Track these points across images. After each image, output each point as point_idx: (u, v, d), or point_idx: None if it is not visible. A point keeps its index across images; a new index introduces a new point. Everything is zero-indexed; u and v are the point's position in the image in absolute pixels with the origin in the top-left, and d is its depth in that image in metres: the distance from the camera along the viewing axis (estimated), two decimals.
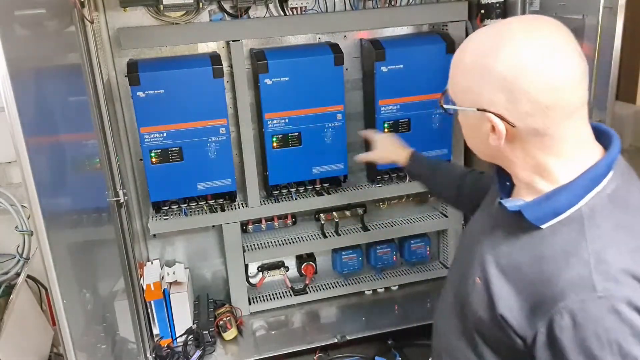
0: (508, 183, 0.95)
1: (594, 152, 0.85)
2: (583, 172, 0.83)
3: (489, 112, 0.81)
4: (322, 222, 2.24)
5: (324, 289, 2.32)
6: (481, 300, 0.90)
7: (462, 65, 0.85)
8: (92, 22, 1.66)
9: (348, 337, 2.04)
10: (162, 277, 2.06)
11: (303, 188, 2.16)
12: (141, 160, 2.00)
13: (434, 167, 1.51)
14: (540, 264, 0.81)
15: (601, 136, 0.87)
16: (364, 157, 1.75)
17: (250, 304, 2.25)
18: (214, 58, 1.92)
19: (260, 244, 2.22)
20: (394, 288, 2.36)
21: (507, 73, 0.78)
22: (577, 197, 0.82)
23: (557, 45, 0.78)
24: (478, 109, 0.83)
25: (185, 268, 2.17)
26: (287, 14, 1.99)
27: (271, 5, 1.99)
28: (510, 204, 0.87)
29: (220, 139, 1.94)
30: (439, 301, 1.14)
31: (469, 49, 0.84)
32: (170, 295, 2.03)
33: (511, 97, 0.79)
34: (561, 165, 0.84)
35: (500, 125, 0.81)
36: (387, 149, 1.64)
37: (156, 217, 2.05)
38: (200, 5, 1.87)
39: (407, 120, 2.09)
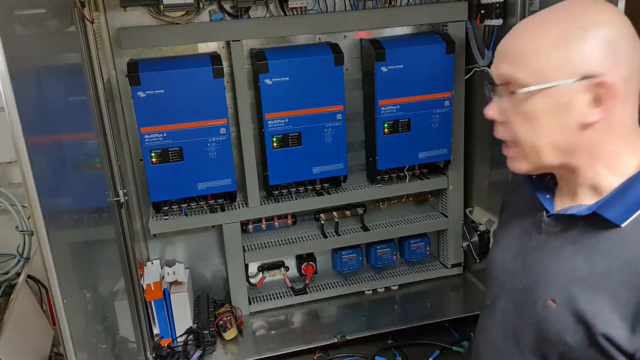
0: (549, 196, 0.90)
1: None
2: None
3: (595, 77, 0.75)
4: (322, 222, 2.24)
5: (324, 288, 2.32)
6: (566, 325, 0.81)
7: (549, 38, 0.77)
8: (92, 22, 1.66)
9: (348, 337, 2.04)
10: (162, 277, 2.06)
11: (303, 188, 2.16)
12: (141, 160, 2.00)
13: None
14: (632, 261, 0.75)
15: None
16: None
17: (250, 303, 2.25)
18: (214, 58, 1.92)
19: (260, 243, 2.22)
20: (394, 288, 2.36)
21: (611, 34, 0.75)
22: None
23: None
24: (583, 77, 0.75)
25: (185, 268, 2.17)
26: (287, 14, 1.99)
27: (271, 5, 1.99)
28: (576, 209, 0.82)
29: (220, 138, 1.94)
30: (483, 342, 1.01)
31: (552, 21, 0.78)
32: (171, 295, 2.03)
33: (615, 60, 0.75)
34: (629, 150, 0.80)
35: (611, 90, 0.75)
36: None
37: (156, 217, 2.05)
38: (201, 5, 1.87)
39: (407, 120, 2.09)
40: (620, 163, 0.81)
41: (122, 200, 1.78)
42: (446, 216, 2.35)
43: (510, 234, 0.98)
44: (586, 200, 0.83)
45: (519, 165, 0.85)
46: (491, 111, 0.84)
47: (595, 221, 0.80)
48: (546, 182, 0.92)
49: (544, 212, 0.89)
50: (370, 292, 2.35)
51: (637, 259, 0.75)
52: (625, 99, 0.78)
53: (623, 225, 0.77)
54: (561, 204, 0.88)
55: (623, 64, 0.76)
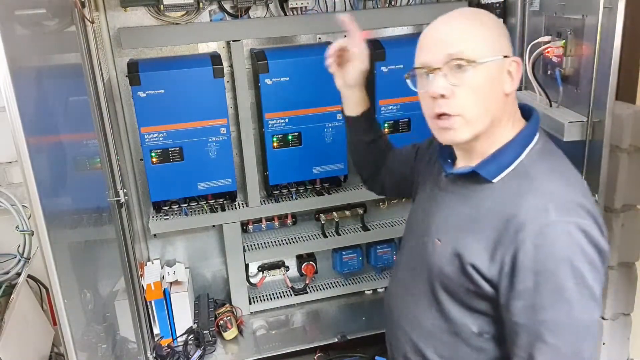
0: (450, 160, 1.11)
1: (521, 119, 1.04)
2: (519, 131, 1.01)
3: (510, 56, 0.97)
4: (323, 221, 2.24)
5: (324, 288, 2.32)
6: (444, 258, 1.02)
7: (480, 24, 0.98)
8: (92, 22, 1.67)
9: (348, 337, 2.04)
10: (163, 277, 2.06)
11: (303, 188, 2.17)
12: (142, 160, 2.00)
13: (374, 140, 1.41)
14: (498, 208, 0.95)
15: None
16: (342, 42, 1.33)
17: (250, 303, 2.25)
18: (215, 58, 1.92)
19: (261, 243, 2.22)
20: None
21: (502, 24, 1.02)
22: (519, 150, 0.99)
23: None
24: (504, 56, 0.97)
25: (185, 268, 2.17)
26: (287, 14, 1.99)
27: (271, 6, 2.00)
28: (461, 170, 1.05)
29: (220, 138, 1.95)
30: (393, 284, 1.24)
31: (476, 12, 1.02)
32: (171, 295, 2.03)
33: (510, 43, 1.00)
34: (511, 121, 1.01)
35: (520, 67, 0.98)
36: (359, 74, 1.34)
37: (157, 216, 2.05)
38: (201, 6, 1.87)
39: (407, 120, 2.09)
40: (504, 132, 1.01)
41: (122, 200, 1.78)
42: None
43: (421, 194, 1.21)
44: (472, 163, 1.03)
45: (461, 135, 0.99)
46: (441, 89, 0.96)
47: (475, 179, 1.01)
48: (450, 151, 1.11)
49: (443, 173, 1.11)
50: (371, 292, 2.35)
51: (502, 203, 0.95)
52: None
53: (494, 180, 0.99)
54: (457, 166, 1.09)
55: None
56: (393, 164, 1.40)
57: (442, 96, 0.97)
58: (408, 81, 1.06)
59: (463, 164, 1.07)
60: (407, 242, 1.21)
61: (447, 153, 1.12)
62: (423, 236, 1.10)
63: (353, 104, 1.38)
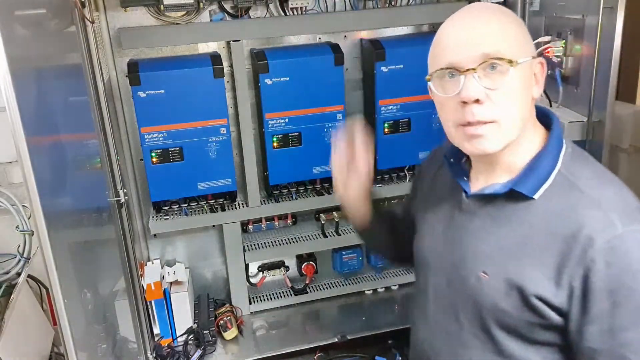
0: (466, 178, 0.98)
1: (538, 123, 0.94)
2: (546, 138, 0.92)
3: (537, 57, 0.88)
4: (323, 221, 2.24)
5: (324, 288, 2.32)
6: (498, 293, 0.88)
7: (511, 20, 0.88)
8: (92, 22, 1.67)
9: (348, 337, 2.04)
10: (163, 277, 2.06)
11: (303, 188, 2.16)
12: (142, 160, 2.00)
13: (385, 230, 1.27)
14: (551, 227, 0.84)
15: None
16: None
17: (250, 303, 2.25)
18: (215, 58, 1.92)
19: (261, 243, 2.22)
20: (394, 288, 2.37)
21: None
22: (554, 159, 0.89)
23: None
24: (533, 57, 0.88)
25: (185, 268, 2.17)
26: (288, 14, 1.99)
27: (271, 6, 2.00)
28: (492, 189, 0.92)
29: (220, 138, 1.95)
30: (425, 331, 1.06)
31: (502, 8, 0.91)
32: (171, 295, 2.03)
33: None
34: (535, 130, 0.92)
35: (544, 69, 0.90)
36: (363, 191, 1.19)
37: (157, 216, 2.05)
38: (201, 6, 1.87)
39: (407, 120, 2.09)
40: (532, 140, 0.92)
41: (123, 200, 1.78)
42: None
43: (432, 219, 1.05)
44: (498, 179, 0.92)
45: (494, 145, 0.87)
46: (474, 92, 0.84)
47: (510, 196, 0.89)
48: (462, 166, 1.00)
49: (463, 194, 0.97)
50: (371, 292, 2.35)
51: (549, 223, 0.85)
52: None
53: (536, 197, 0.87)
54: (477, 185, 0.96)
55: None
56: (409, 230, 1.17)
57: (477, 101, 0.85)
58: (430, 83, 0.92)
59: (484, 180, 0.95)
60: (430, 278, 1.04)
61: (461, 170, 1.00)
62: (457, 270, 0.96)
63: (358, 219, 1.23)
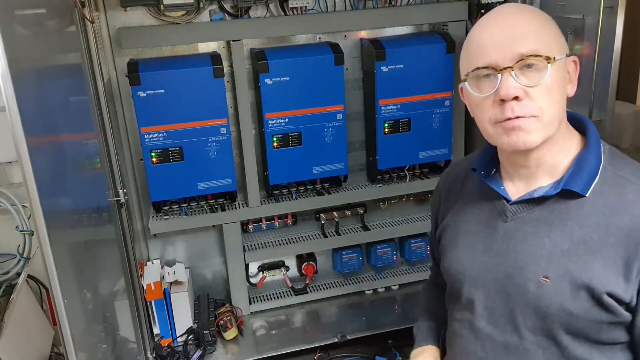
0: (502, 187, 0.98)
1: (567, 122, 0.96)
2: (584, 136, 0.94)
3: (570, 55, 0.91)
4: (323, 221, 2.24)
5: (324, 288, 2.32)
6: (564, 295, 0.87)
7: (545, 18, 0.90)
8: (92, 22, 1.66)
9: (348, 337, 2.04)
10: (163, 277, 2.06)
11: (303, 188, 2.16)
12: (142, 160, 2.00)
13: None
14: (611, 222, 0.85)
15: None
16: None
17: (250, 303, 2.25)
18: (215, 58, 1.92)
19: (261, 243, 2.22)
20: (394, 287, 2.36)
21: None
22: (598, 156, 0.91)
23: None
24: (567, 55, 0.90)
25: (185, 268, 2.17)
26: (288, 13, 1.99)
27: (271, 5, 1.99)
28: (542, 191, 0.92)
29: (220, 138, 1.95)
30: (468, 339, 1.02)
31: (532, 7, 0.97)
32: (171, 295, 2.03)
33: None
34: (566, 127, 0.95)
35: (577, 67, 0.92)
36: None
37: (156, 216, 2.05)
38: (201, 5, 1.87)
39: (407, 119, 2.09)
40: (571, 137, 0.94)
41: (122, 200, 1.78)
42: None
43: (468, 237, 1.03)
44: (541, 182, 0.93)
45: (533, 138, 0.88)
46: (514, 90, 0.86)
47: (559, 197, 0.90)
48: (493, 174, 1.01)
49: (504, 201, 0.97)
50: (371, 292, 2.35)
51: (606, 218, 0.86)
52: None
53: (588, 194, 0.88)
54: (515, 192, 0.96)
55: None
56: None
57: (515, 98, 0.86)
58: (465, 84, 0.94)
59: (524, 186, 0.95)
60: (476, 294, 1.00)
61: (495, 182, 0.99)
62: (512, 279, 0.93)
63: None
